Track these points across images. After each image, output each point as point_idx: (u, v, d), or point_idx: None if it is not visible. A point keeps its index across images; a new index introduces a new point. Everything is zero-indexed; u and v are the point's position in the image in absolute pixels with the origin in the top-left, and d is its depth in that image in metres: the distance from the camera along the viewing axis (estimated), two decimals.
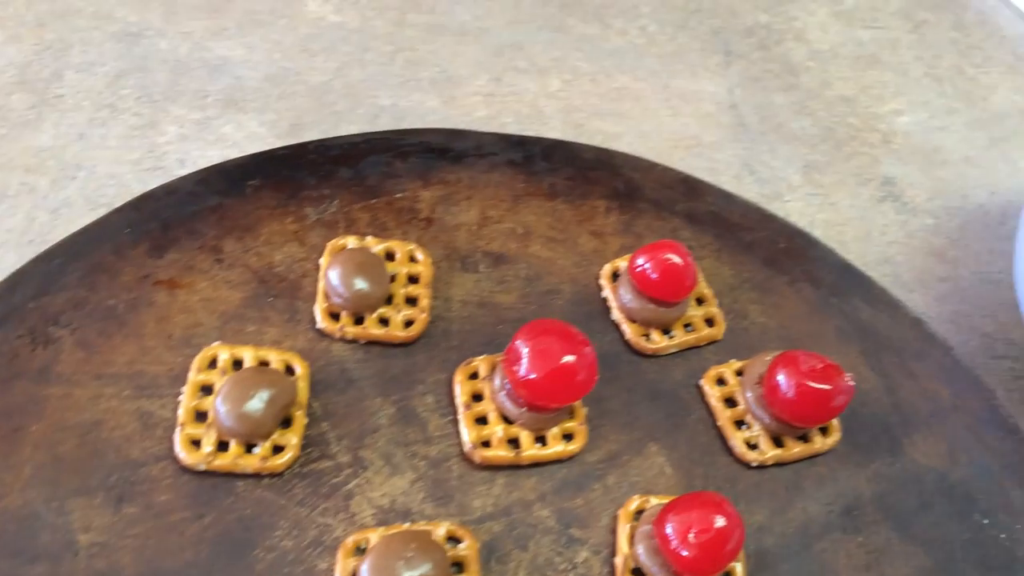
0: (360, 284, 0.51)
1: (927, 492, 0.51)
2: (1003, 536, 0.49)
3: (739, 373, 0.53)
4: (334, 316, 0.52)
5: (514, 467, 0.48)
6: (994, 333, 0.64)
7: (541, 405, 0.48)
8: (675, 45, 0.80)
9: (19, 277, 0.51)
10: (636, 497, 0.47)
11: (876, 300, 0.58)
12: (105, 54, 0.70)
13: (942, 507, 0.50)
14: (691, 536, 0.43)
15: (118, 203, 0.56)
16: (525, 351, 0.47)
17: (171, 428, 0.46)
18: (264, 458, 0.46)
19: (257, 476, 0.46)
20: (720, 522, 0.43)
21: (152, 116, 0.66)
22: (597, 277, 0.57)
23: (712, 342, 0.55)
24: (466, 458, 0.48)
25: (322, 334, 0.51)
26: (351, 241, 0.54)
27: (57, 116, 0.65)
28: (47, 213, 0.59)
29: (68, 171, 0.62)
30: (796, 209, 0.69)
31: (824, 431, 0.51)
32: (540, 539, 0.46)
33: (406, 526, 0.45)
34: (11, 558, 0.42)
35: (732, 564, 0.46)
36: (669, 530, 0.43)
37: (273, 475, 0.46)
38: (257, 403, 0.46)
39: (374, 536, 0.44)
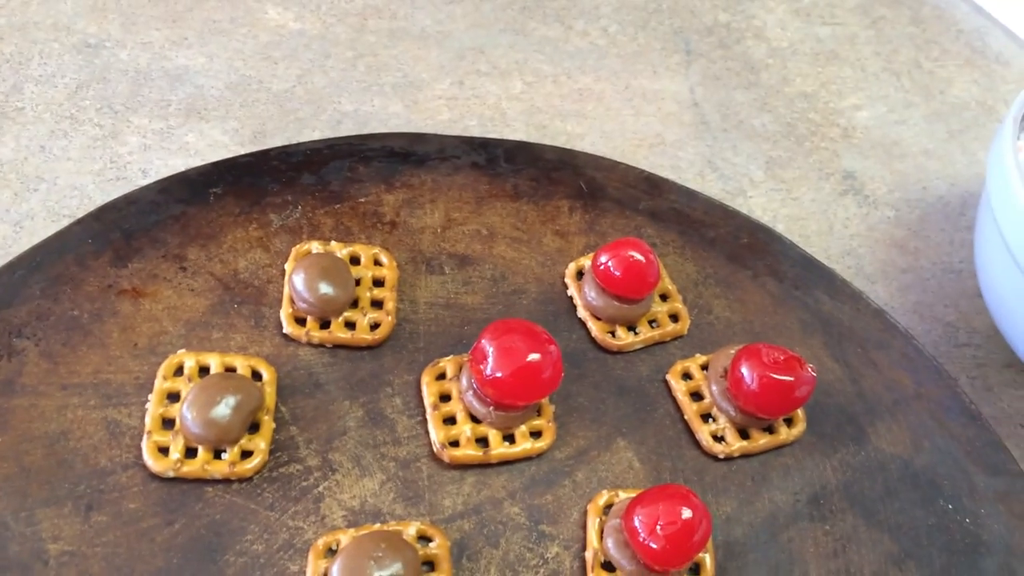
0: (325, 288, 0.51)
1: (892, 479, 0.51)
2: (967, 521, 0.50)
3: (704, 367, 0.53)
4: (300, 321, 0.52)
5: (483, 466, 0.49)
6: (956, 322, 0.65)
7: (508, 403, 0.48)
8: (636, 45, 0.81)
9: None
10: (605, 492, 0.48)
11: (838, 292, 0.59)
12: (65, 66, 0.70)
13: (907, 494, 0.51)
14: (659, 528, 0.43)
15: (80, 214, 0.56)
16: (490, 350, 0.47)
17: (138, 436, 0.46)
18: (232, 463, 0.46)
19: (226, 481, 0.46)
20: (687, 514, 0.44)
21: (113, 127, 0.66)
22: (562, 276, 0.57)
23: (677, 337, 0.55)
24: (435, 458, 0.48)
25: (288, 339, 0.52)
26: (315, 246, 0.55)
27: (17, 129, 0.65)
28: (9, 226, 0.59)
29: (29, 183, 0.62)
30: (759, 204, 0.70)
31: (789, 422, 0.52)
32: (511, 536, 0.46)
33: (377, 527, 0.45)
34: None
35: (701, 555, 0.46)
36: (637, 523, 0.44)
37: (242, 480, 0.46)
38: (224, 409, 0.46)
39: (345, 537, 0.44)
